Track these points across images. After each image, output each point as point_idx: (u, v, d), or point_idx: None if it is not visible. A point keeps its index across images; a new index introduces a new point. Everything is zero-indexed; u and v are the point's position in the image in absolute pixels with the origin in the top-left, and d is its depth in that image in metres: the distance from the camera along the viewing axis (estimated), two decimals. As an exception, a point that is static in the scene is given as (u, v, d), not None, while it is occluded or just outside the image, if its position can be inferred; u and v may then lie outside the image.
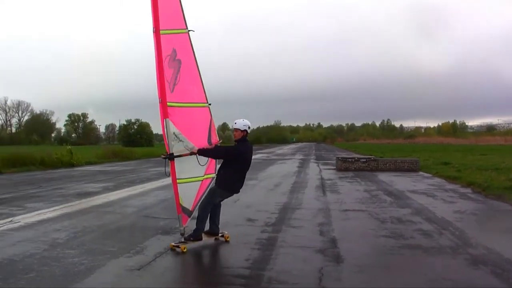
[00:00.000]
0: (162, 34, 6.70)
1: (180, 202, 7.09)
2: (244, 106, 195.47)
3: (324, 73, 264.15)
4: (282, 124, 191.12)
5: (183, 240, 7.13)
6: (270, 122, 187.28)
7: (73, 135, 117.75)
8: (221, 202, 7.63)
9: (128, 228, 8.80)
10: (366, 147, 64.85)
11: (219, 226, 7.61)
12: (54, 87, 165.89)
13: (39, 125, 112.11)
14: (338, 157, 26.81)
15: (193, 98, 7.39)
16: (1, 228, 8.70)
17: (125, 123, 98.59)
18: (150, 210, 10.96)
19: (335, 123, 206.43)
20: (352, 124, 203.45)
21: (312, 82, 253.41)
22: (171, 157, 6.95)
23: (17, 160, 25.44)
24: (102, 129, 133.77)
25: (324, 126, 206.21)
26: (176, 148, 6.98)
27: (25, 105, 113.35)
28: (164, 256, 6.84)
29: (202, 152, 7.18)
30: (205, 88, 7.55)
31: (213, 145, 7.46)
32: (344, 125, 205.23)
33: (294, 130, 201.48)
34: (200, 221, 7.21)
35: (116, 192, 14.88)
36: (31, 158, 26.90)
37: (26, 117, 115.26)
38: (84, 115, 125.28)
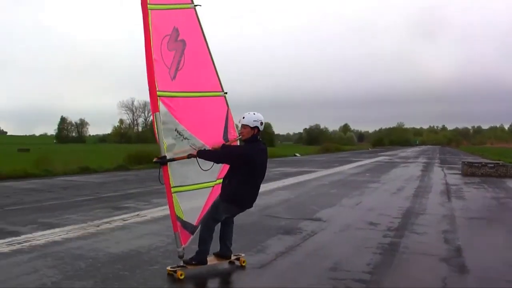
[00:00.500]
0: (158, 9, 5.61)
1: (179, 216, 5.71)
2: (364, 107, 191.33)
3: (449, 71, 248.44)
4: (405, 126, 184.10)
5: (182, 264, 5.68)
6: (393, 124, 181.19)
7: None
8: (235, 218, 6.20)
9: (250, 227, 8.84)
10: (494, 152, 59.78)
11: (232, 246, 6.20)
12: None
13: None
14: (463, 162, 25.56)
15: (203, 86, 6.17)
16: (129, 221, 9.28)
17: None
18: (272, 210, 11.02)
19: (460, 126, 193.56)
20: (479, 127, 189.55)
21: (435, 81, 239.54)
22: (163, 161, 5.58)
23: (143, 158, 27.29)
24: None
25: (448, 129, 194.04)
26: (179, 147, 5.73)
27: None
28: (285, 256, 6.77)
29: (201, 154, 5.68)
30: (219, 74, 6.30)
31: (220, 145, 5.95)
32: (470, 127, 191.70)
33: (418, 132, 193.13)
34: (202, 242, 5.76)
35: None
36: (156, 155, 28.53)
37: (151, 117, 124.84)
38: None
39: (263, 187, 16.51)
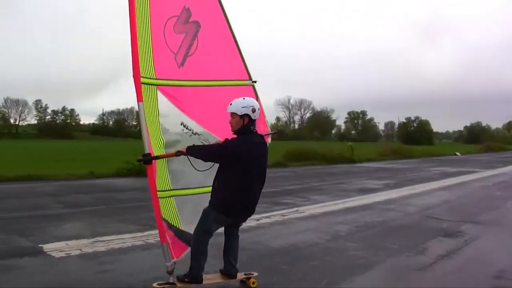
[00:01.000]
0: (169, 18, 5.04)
1: (174, 224, 4.98)
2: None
3: None
4: None
5: (171, 280, 4.79)
6: None
7: (352, 132, 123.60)
8: (239, 231, 5.28)
9: (409, 227, 8.56)
10: None
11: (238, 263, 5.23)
12: (334, 85, 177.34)
13: (320, 122, 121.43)
14: None
15: (223, 74, 5.45)
16: (288, 217, 9.57)
17: (404, 120, 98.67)
18: (432, 211, 10.46)
19: None
20: None
21: None
22: (146, 159, 4.70)
23: (301, 155, 28.04)
24: (381, 127, 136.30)
25: None
26: (186, 144, 4.88)
27: (307, 103, 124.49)
28: (446, 259, 6.41)
29: (191, 150, 4.73)
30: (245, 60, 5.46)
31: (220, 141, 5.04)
32: None
33: None
34: (193, 257, 4.82)
35: (396, 190, 14.76)
36: (313, 153, 29.26)
37: (308, 114, 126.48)
38: (364, 113, 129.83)
39: (422, 187, 16.16)
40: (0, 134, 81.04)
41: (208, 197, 4.91)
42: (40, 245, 6.70)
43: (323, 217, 9.53)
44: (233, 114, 4.73)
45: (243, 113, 4.68)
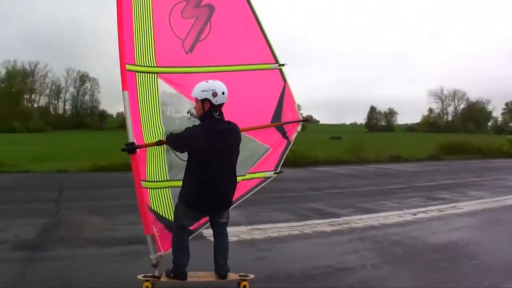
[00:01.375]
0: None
1: (165, 216, 4.76)
2: None
3: None
4: None
5: (156, 274, 4.62)
6: None
7: (510, 124, 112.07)
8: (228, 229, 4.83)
9: None
10: None
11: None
12: (490, 75, 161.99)
13: (474, 113, 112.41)
14: None
15: (242, 58, 5.08)
16: (445, 212, 9.03)
17: None
18: None
19: None
20: None
21: None
22: (131, 147, 4.45)
23: (455, 148, 26.23)
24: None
25: None
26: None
27: (461, 93, 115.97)
28: None
29: (168, 140, 4.50)
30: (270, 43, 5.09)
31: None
32: None
33: None
34: (173, 253, 4.59)
35: None
36: (468, 146, 27.26)
37: (461, 106, 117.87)
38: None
39: None
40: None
41: None
42: (200, 230, 7.18)
43: (482, 214, 8.79)
44: (196, 100, 4.42)
45: (202, 98, 4.32)
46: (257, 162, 5.09)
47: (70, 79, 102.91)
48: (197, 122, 4.55)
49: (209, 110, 4.33)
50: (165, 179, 4.78)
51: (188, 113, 4.84)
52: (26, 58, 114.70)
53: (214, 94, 4.27)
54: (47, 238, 6.74)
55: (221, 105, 4.35)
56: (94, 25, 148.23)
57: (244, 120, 4.78)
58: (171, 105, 4.94)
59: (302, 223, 7.85)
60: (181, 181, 4.52)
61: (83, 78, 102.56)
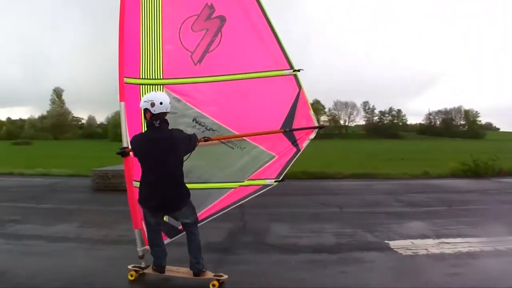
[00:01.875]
0: None
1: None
2: None
3: None
4: None
5: (143, 265, 5.28)
6: None
7: None
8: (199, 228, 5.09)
9: None
10: None
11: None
12: None
13: None
14: None
15: (252, 66, 5.12)
16: None
17: None
18: None
19: None
20: None
21: None
22: (122, 151, 5.04)
23: None
24: None
25: None
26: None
27: None
28: None
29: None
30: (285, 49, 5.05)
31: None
32: None
33: None
34: (150, 248, 5.18)
35: None
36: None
37: None
38: None
39: None
40: (331, 134, 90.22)
41: (202, 193, 5.17)
42: (386, 241, 6.87)
43: None
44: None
45: (143, 108, 4.67)
46: (259, 169, 5.15)
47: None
48: (202, 128, 5.17)
49: (150, 119, 4.68)
50: None
51: (193, 120, 5.23)
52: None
53: (152, 104, 4.61)
54: (234, 242, 7.01)
55: (162, 113, 4.67)
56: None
57: (252, 127, 5.09)
58: (175, 113, 5.09)
59: (494, 239, 7.03)
60: (189, 185, 4.96)
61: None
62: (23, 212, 9.33)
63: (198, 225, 5.09)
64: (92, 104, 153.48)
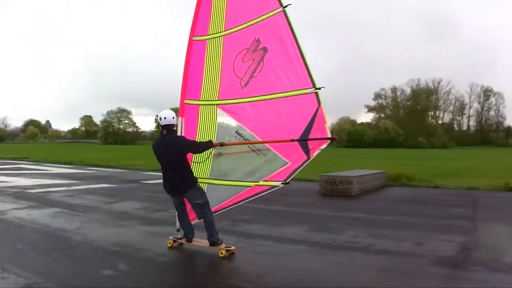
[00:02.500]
0: (232, 32, 6.73)
1: None
2: None
3: None
4: None
5: (179, 236, 7.08)
6: None
7: None
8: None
9: None
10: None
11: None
12: None
13: None
14: None
15: (284, 87, 6.08)
16: None
17: None
18: None
19: None
20: None
21: None
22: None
23: None
24: None
25: None
26: (235, 148, 6.60)
27: None
28: None
29: None
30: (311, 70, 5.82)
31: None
32: None
33: None
34: (178, 221, 7.01)
35: None
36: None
37: None
38: None
39: None
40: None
41: (227, 188, 6.61)
42: None
43: None
44: None
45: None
46: (273, 172, 6.08)
47: (474, 94, 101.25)
48: (241, 139, 6.49)
49: (161, 128, 6.46)
50: (206, 177, 6.93)
51: (235, 132, 6.59)
52: (429, 76, 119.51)
53: (160, 119, 6.39)
54: (466, 257, 6.57)
55: (167, 125, 6.37)
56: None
57: (276, 137, 6.12)
58: (224, 127, 6.82)
59: None
60: (216, 181, 6.81)
61: (487, 93, 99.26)
62: (253, 212, 9.94)
63: (221, 211, 6.73)
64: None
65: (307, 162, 5.72)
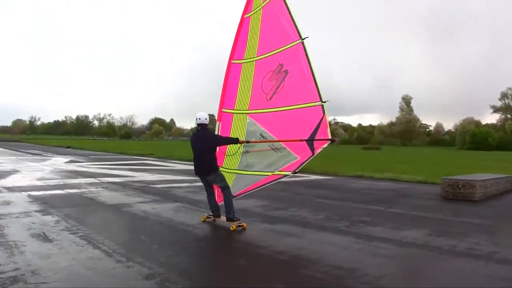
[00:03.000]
0: (262, 58, 8.49)
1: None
2: None
3: None
4: None
5: (211, 213, 8.87)
6: None
7: None
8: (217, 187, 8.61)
9: None
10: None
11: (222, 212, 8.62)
12: None
13: None
14: None
15: (299, 100, 7.75)
16: None
17: None
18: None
19: None
20: None
21: None
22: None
23: None
24: None
25: None
26: (258, 146, 8.44)
27: None
28: None
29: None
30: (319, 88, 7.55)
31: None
32: None
33: None
34: (207, 200, 8.85)
35: None
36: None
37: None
38: None
39: None
40: None
41: (249, 177, 8.47)
42: None
43: None
44: None
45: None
46: (285, 165, 7.81)
47: None
48: (264, 139, 8.24)
49: (196, 127, 8.37)
50: (235, 168, 8.69)
51: (259, 134, 8.31)
52: None
53: (196, 119, 8.28)
54: None
55: (200, 124, 8.26)
56: None
57: (291, 137, 7.79)
58: (251, 129, 8.51)
59: None
60: (242, 171, 8.58)
61: None
62: (373, 214, 9.95)
63: (244, 195, 8.58)
64: (440, 111, 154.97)
65: (312, 157, 7.48)
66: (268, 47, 8.38)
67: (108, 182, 15.28)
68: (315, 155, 7.42)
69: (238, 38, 8.89)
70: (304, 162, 7.54)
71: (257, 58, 8.59)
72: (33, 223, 8.05)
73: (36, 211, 9.37)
